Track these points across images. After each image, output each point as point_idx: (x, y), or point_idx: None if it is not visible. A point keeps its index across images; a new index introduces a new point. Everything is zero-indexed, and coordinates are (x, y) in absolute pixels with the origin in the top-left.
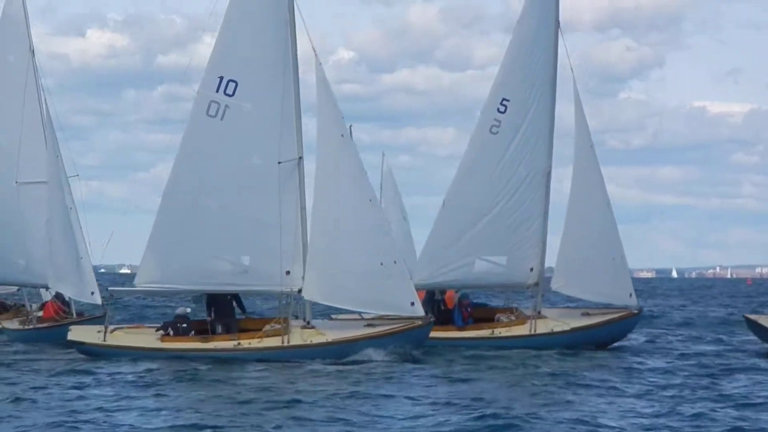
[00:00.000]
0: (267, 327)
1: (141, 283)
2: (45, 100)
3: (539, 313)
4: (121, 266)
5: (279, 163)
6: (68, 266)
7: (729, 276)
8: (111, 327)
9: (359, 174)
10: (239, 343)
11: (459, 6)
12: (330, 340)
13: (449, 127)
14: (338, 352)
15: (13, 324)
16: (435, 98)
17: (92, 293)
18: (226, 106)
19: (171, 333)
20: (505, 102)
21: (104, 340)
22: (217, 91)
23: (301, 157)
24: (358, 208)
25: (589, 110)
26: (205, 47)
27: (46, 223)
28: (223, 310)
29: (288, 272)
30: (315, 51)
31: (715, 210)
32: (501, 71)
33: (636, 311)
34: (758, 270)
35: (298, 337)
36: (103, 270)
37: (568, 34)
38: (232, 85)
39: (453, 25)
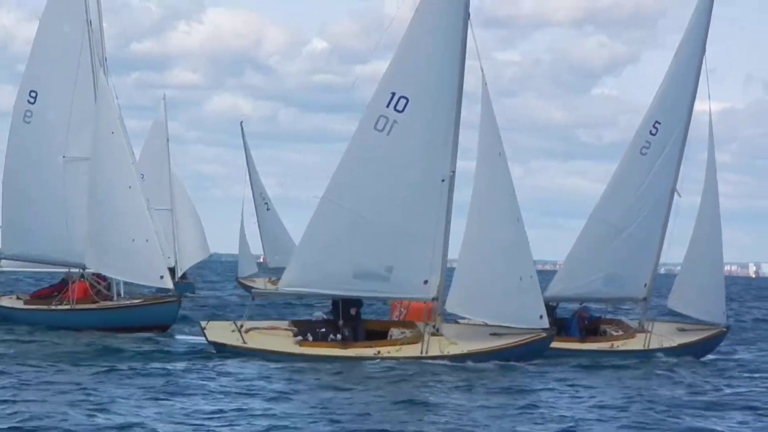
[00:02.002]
0: (395, 332)
1: (284, 287)
2: (105, 72)
3: (643, 326)
4: None
5: (442, 181)
6: (113, 247)
7: None
8: (245, 326)
9: (511, 193)
10: (379, 352)
11: None
12: (466, 351)
13: None
14: (473, 362)
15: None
16: None
17: (161, 277)
18: (395, 121)
19: (310, 338)
20: (657, 125)
21: (244, 342)
22: (388, 106)
23: (453, 172)
24: (507, 227)
25: (561, 105)
26: (180, 35)
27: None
28: (351, 315)
29: (426, 281)
30: (482, 71)
31: (686, 207)
32: (658, 94)
33: (725, 328)
34: (727, 267)
35: (436, 347)
36: None
37: (547, 27)
38: (402, 102)
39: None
